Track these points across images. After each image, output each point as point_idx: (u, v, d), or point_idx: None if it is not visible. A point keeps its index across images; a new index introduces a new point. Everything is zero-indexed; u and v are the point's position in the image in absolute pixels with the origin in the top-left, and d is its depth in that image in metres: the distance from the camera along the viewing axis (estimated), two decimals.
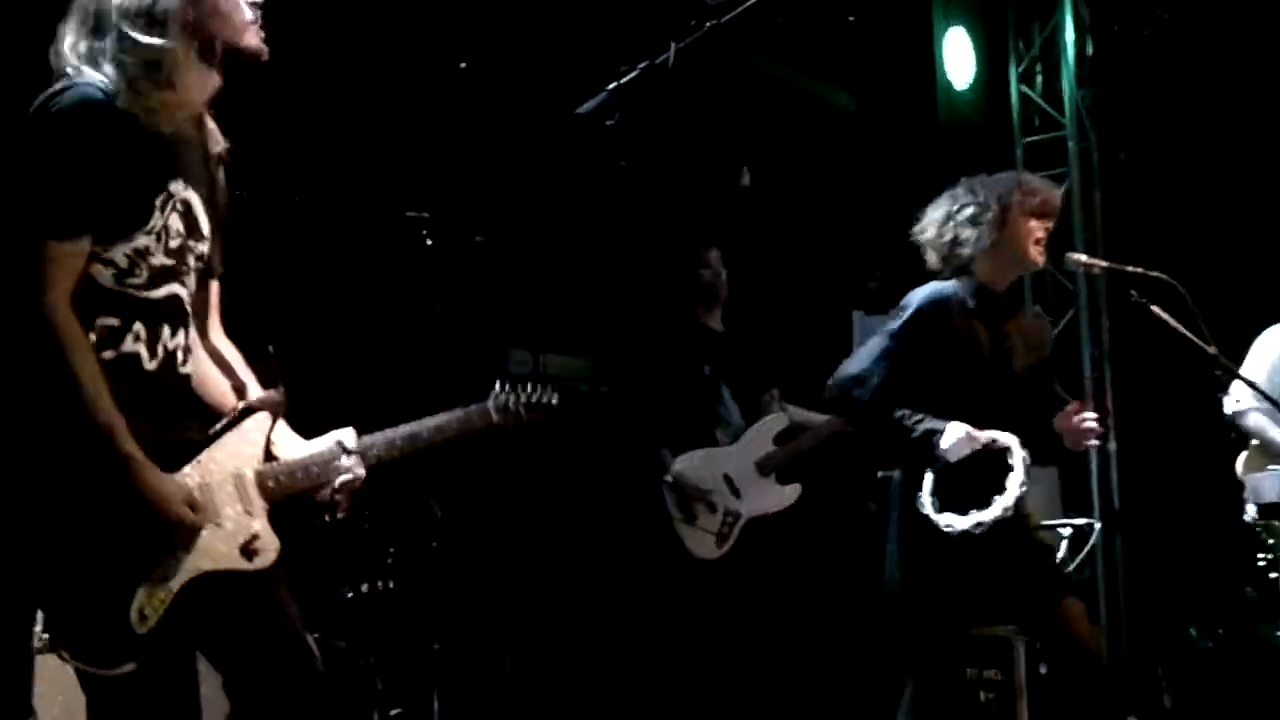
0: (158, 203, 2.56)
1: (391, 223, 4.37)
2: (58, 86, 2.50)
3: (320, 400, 3.26)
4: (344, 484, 2.80)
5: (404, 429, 2.91)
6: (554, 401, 3.20)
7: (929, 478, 3.86)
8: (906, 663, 3.99)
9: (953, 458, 3.79)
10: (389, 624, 4.49)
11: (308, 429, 2.87)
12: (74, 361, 2.41)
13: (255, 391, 2.81)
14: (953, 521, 3.77)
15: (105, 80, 2.50)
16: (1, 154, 2.50)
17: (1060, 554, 5.59)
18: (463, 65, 5.60)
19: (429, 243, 4.31)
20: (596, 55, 5.50)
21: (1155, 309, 3.94)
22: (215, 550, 2.57)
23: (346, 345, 5.30)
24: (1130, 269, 4.10)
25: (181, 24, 2.54)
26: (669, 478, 5.15)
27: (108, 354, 2.50)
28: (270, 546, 2.67)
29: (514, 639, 5.65)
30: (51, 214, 2.44)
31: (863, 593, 5.12)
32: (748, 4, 2.51)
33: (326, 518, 2.84)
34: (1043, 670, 4.46)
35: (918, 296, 4.04)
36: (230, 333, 2.92)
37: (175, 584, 2.50)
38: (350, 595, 4.40)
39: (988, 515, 3.73)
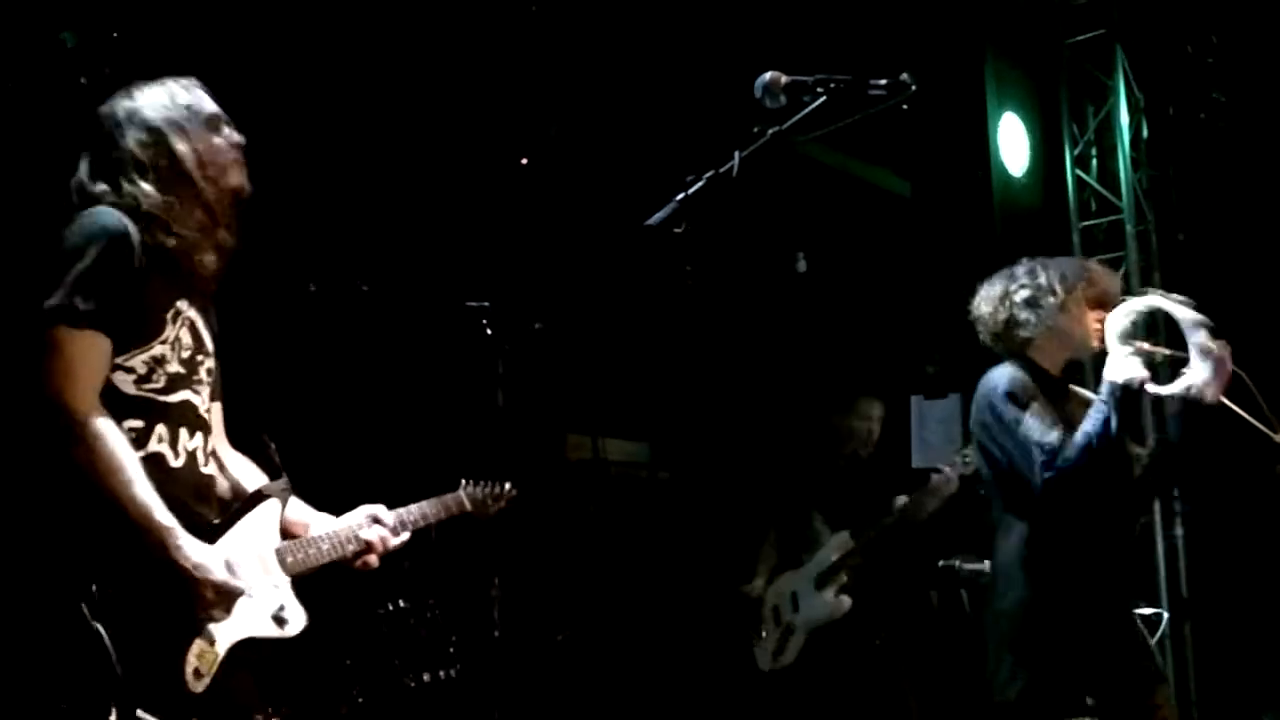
0: (169, 316, 2.82)
1: (453, 312, 4.45)
2: (83, 212, 2.77)
3: (384, 482, 3.37)
4: (374, 547, 3.14)
5: (415, 508, 3.35)
6: (512, 491, 3.80)
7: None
8: None
9: (1142, 373, 3.63)
10: (452, 712, 4.50)
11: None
12: (111, 448, 2.61)
13: (262, 481, 3.05)
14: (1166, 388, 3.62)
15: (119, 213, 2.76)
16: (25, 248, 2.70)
17: None
18: (523, 161, 5.71)
19: (489, 331, 4.37)
20: (658, 157, 5.65)
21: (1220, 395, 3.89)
22: (251, 618, 2.82)
23: (409, 430, 5.37)
24: None
25: (180, 177, 2.85)
26: (751, 590, 5.40)
27: (138, 454, 2.69)
28: (298, 615, 2.94)
29: None
30: (78, 304, 2.65)
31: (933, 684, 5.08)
32: (807, 110, 2.57)
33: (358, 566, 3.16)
34: None
35: (998, 384, 3.88)
36: (292, 415, 3.08)
37: (222, 646, 2.74)
38: (413, 684, 4.43)
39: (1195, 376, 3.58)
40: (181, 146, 2.86)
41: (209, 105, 2.97)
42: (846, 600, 5.42)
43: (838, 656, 5.43)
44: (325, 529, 3.11)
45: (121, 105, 2.90)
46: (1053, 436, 3.71)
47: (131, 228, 2.75)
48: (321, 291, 4.34)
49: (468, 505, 3.59)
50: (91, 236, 2.71)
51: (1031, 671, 3.75)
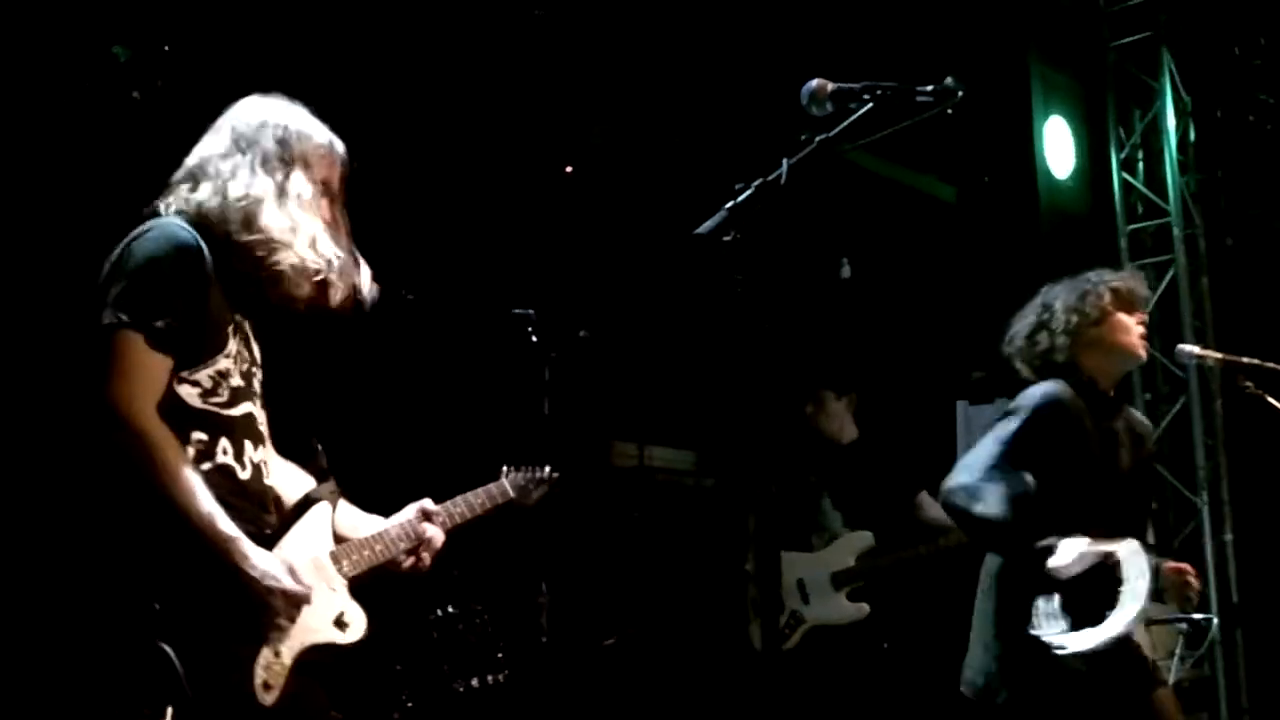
0: (229, 330, 2.78)
1: (499, 320, 4.47)
2: (148, 225, 2.74)
3: (430, 489, 3.39)
4: (428, 545, 3.15)
5: (462, 501, 3.36)
6: (554, 475, 3.77)
7: (1043, 603, 3.67)
8: None
9: (1063, 576, 3.60)
10: (500, 717, 4.52)
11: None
12: (167, 457, 2.58)
13: (309, 486, 3.01)
14: (1068, 642, 3.58)
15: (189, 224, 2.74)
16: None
17: (1177, 651, 5.45)
18: (569, 169, 5.74)
19: (535, 339, 4.39)
20: (705, 164, 5.66)
21: (1271, 400, 3.87)
22: (313, 625, 2.79)
23: (455, 438, 5.40)
24: (1245, 360, 4.03)
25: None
26: (748, 568, 5.26)
27: (205, 466, 2.69)
28: (359, 619, 2.92)
29: None
30: (138, 310, 2.62)
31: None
32: (854, 117, 2.58)
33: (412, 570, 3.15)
34: None
35: (1033, 399, 3.89)
36: (338, 424, 3.10)
37: (288, 656, 2.71)
38: (462, 689, 4.45)
39: (1112, 631, 3.54)
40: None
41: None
42: (865, 608, 5.39)
43: (842, 655, 5.39)
44: (376, 530, 3.10)
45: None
46: (989, 483, 3.70)
47: (201, 241, 2.72)
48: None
49: (511, 493, 3.59)
50: (160, 251, 2.67)
51: (1015, 680, 3.74)
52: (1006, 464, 3.77)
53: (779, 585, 5.31)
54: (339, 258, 2.86)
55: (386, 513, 3.22)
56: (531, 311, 4.35)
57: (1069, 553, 3.59)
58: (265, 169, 2.81)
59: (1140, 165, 7.92)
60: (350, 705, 4.18)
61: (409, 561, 3.13)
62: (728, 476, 5.69)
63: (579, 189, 6.08)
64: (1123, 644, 3.79)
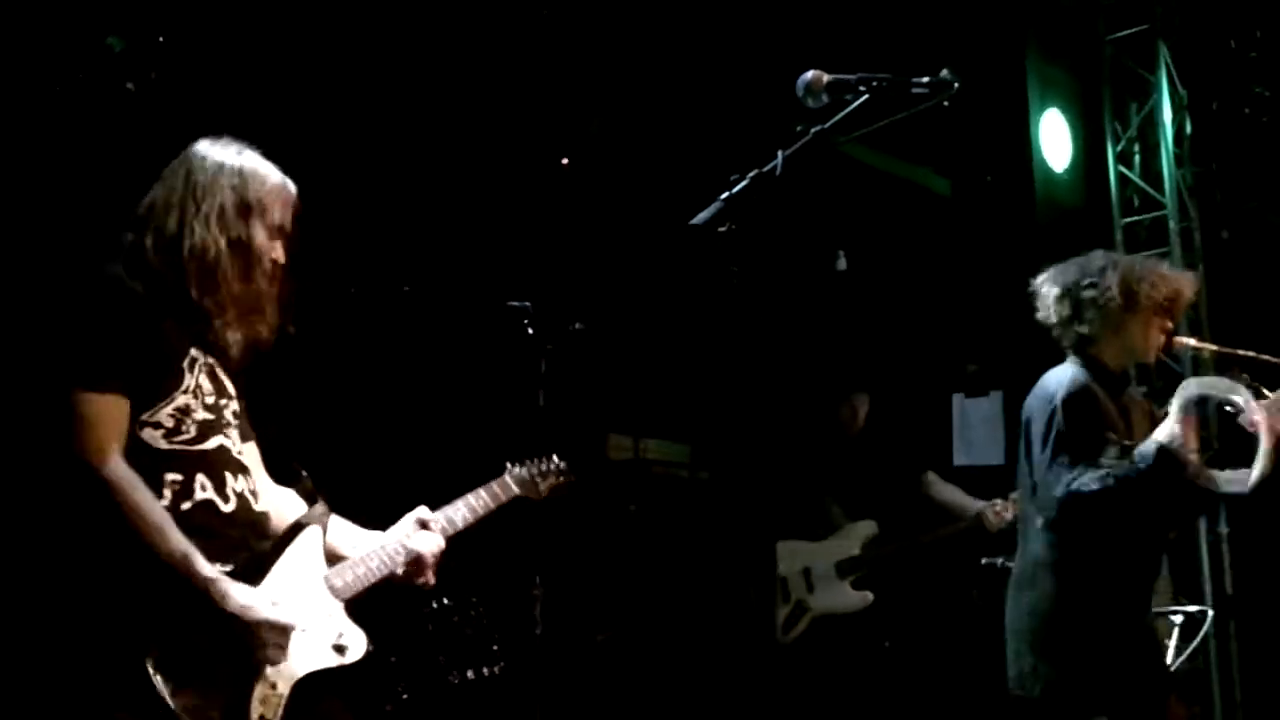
0: (185, 364, 2.77)
1: (495, 313, 4.47)
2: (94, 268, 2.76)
3: (426, 483, 3.37)
4: (428, 554, 3.07)
5: (460, 504, 3.24)
6: (562, 465, 3.60)
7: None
8: None
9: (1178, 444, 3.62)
10: (495, 709, 4.53)
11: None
12: (135, 500, 2.58)
13: (302, 510, 2.98)
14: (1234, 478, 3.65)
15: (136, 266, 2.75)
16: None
17: (1172, 643, 5.45)
18: (564, 161, 5.73)
19: (531, 332, 4.39)
20: (701, 156, 5.66)
21: (1266, 392, 3.86)
22: (309, 653, 2.77)
23: (450, 431, 5.39)
24: (1240, 352, 4.04)
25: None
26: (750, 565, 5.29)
27: (185, 505, 2.69)
28: (357, 640, 2.88)
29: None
30: (83, 365, 2.64)
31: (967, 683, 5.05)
32: (850, 109, 2.58)
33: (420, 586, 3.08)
34: None
35: (1057, 389, 3.85)
36: (334, 418, 3.06)
37: (285, 687, 2.69)
38: (457, 681, 4.46)
39: (1258, 469, 3.61)
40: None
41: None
42: (869, 595, 5.41)
43: (844, 648, 5.41)
44: (372, 546, 3.05)
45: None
46: (1063, 475, 3.67)
47: (142, 283, 2.73)
48: (362, 293, 4.38)
49: (515, 489, 3.44)
50: (91, 299, 2.70)
51: (1056, 670, 3.75)
52: (1064, 456, 3.72)
53: (774, 579, 5.34)
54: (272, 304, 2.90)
55: (381, 511, 3.20)
56: (527, 304, 4.34)
57: (1159, 438, 3.60)
58: (219, 219, 2.82)
59: (1136, 158, 7.90)
60: (345, 697, 4.18)
61: (418, 580, 3.08)
62: (723, 469, 5.69)
63: (575, 181, 6.07)
64: (1152, 642, 3.88)
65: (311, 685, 2.75)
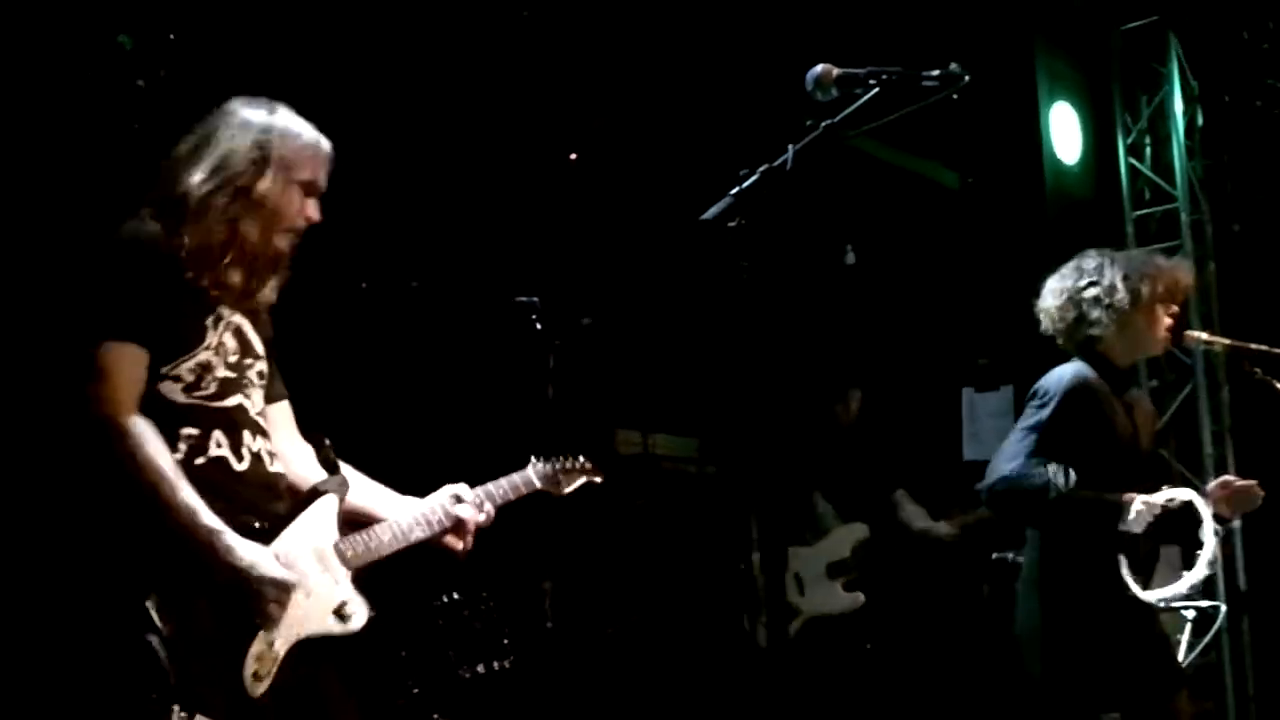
0: (209, 322, 2.78)
1: (503, 308, 4.47)
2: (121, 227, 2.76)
3: (435, 476, 3.37)
4: (470, 521, 3.08)
5: (480, 490, 3.22)
6: (590, 465, 3.59)
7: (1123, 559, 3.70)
8: None
9: (1138, 529, 3.63)
10: (505, 704, 4.53)
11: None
12: (148, 451, 2.60)
13: (321, 477, 2.98)
14: (1162, 594, 3.65)
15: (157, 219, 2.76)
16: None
17: (1184, 639, 5.46)
18: (572, 156, 5.73)
19: (539, 327, 4.39)
20: (710, 151, 5.66)
21: (1278, 385, 3.85)
22: (311, 617, 2.78)
23: (459, 426, 5.40)
24: (1252, 346, 4.02)
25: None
26: (744, 565, 5.31)
27: (199, 460, 2.71)
28: (360, 610, 2.89)
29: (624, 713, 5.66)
30: (101, 315, 2.66)
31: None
32: (859, 103, 2.57)
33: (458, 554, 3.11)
34: None
35: (1060, 383, 3.86)
36: (343, 412, 3.07)
37: (281, 647, 2.70)
38: (468, 675, 4.46)
39: (1197, 575, 3.61)
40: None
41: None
42: (860, 596, 5.43)
43: (830, 650, 5.43)
44: (403, 511, 3.05)
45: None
46: (1033, 467, 3.71)
47: (169, 237, 2.74)
48: (372, 289, 4.38)
49: (537, 483, 3.41)
50: (115, 254, 2.72)
51: (1067, 665, 3.75)
52: (1043, 452, 3.75)
53: (783, 580, 5.36)
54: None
55: None
56: (535, 299, 4.35)
57: (1134, 508, 3.63)
58: (240, 174, 2.81)
59: (1147, 150, 7.88)
60: (356, 691, 4.19)
61: (446, 539, 3.08)
62: (730, 465, 5.70)
63: (583, 176, 6.07)
64: (1159, 636, 3.86)
65: (310, 650, 2.76)
